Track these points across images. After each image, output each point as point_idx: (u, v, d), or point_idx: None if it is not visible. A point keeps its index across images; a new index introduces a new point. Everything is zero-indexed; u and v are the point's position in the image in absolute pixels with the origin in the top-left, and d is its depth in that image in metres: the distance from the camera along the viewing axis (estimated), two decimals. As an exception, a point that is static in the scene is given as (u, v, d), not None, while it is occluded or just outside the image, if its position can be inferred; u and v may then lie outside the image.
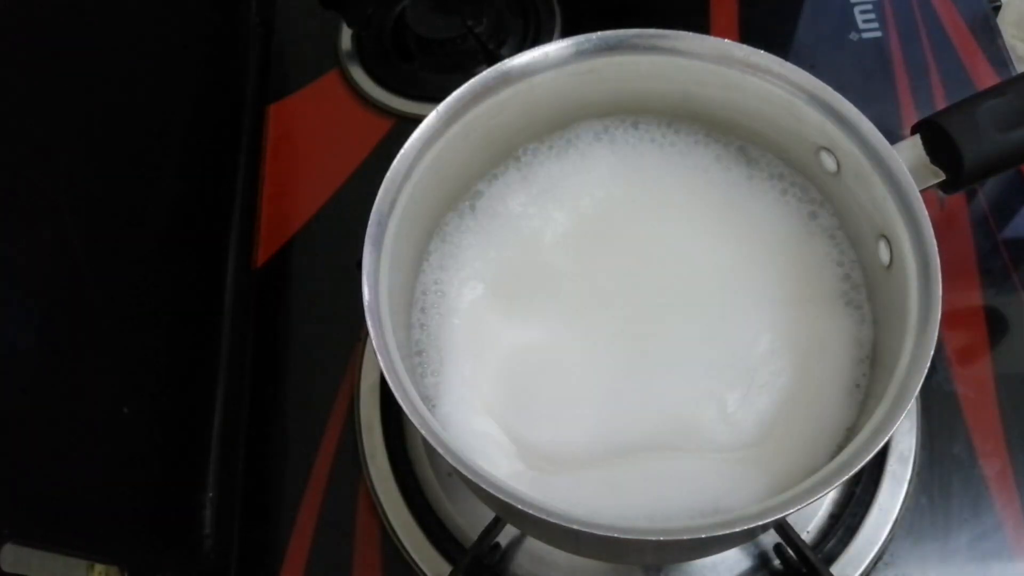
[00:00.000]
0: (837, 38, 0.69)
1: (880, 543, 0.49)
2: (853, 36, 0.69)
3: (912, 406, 0.44)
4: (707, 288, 0.44)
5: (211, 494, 0.52)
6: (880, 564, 0.49)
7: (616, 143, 0.48)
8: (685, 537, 0.33)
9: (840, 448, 0.40)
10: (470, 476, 0.34)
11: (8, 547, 0.36)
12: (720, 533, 0.33)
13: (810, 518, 0.51)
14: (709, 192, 0.46)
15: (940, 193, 0.44)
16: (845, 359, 0.42)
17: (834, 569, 0.48)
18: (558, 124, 0.48)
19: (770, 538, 0.50)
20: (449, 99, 0.43)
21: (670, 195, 0.46)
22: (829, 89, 0.42)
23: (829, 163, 0.44)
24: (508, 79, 0.44)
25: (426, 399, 0.41)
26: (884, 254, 0.41)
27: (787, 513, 0.34)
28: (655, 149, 0.47)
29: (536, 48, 0.44)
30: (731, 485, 0.39)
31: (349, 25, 0.71)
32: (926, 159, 0.43)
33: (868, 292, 0.44)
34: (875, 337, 0.43)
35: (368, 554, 0.51)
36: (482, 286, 0.45)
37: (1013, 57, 0.67)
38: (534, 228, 0.46)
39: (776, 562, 0.50)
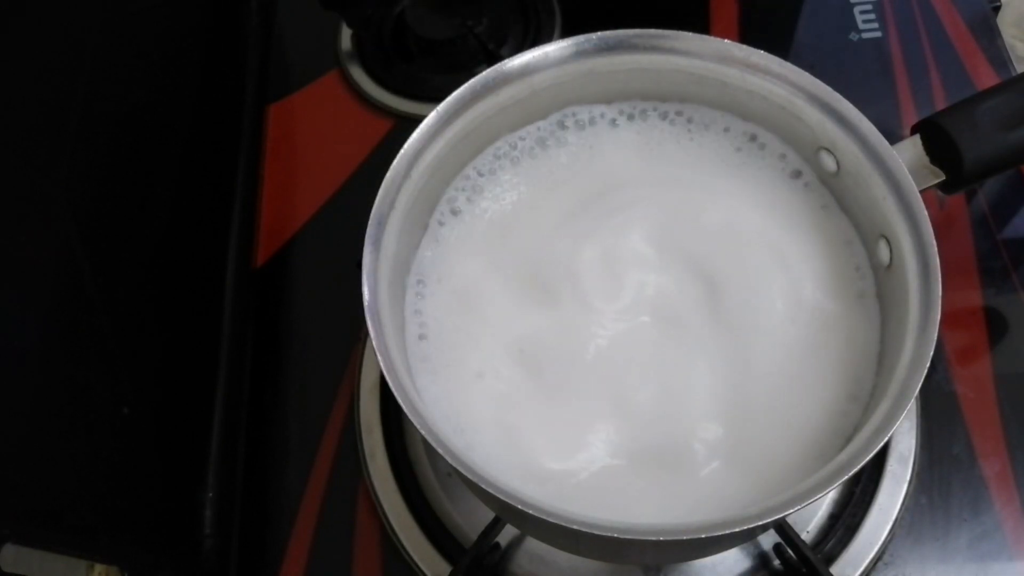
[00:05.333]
0: (837, 38, 0.69)
1: (880, 543, 0.49)
2: (853, 36, 0.69)
3: (912, 406, 0.44)
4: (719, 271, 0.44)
5: (211, 494, 0.52)
6: (880, 564, 0.50)
7: (615, 126, 0.47)
8: (685, 537, 0.33)
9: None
10: (470, 476, 0.34)
11: (8, 547, 0.36)
12: (720, 533, 0.33)
13: (810, 518, 0.51)
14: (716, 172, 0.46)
15: (940, 193, 0.44)
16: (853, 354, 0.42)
17: (834, 569, 0.48)
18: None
19: (770, 538, 0.50)
20: (449, 99, 0.43)
21: (677, 175, 0.46)
22: (829, 89, 0.42)
23: (829, 163, 0.44)
24: (508, 79, 0.44)
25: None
26: (884, 254, 0.41)
27: (787, 513, 0.34)
28: (658, 130, 0.47)
29: (536, 48, 0.44)
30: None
31: (349, 25, 0.71)
32: (926, 159, 0.43)
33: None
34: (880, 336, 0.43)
35: (368, 554, 0.51)
36: (479, 277, 0.45)
37: (1013, 57, 0.67)
38: (532, 215, 0.46)
39: (776, 562, 0.50)
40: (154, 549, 0.47)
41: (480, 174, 0.46)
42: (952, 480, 0.51)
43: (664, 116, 0.47)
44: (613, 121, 0.47)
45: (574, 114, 0.47)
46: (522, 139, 0.47)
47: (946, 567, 0.49)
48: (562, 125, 0.47)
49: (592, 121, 0.47)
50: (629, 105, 0.47)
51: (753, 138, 0.46)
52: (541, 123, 0.47)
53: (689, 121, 0.47)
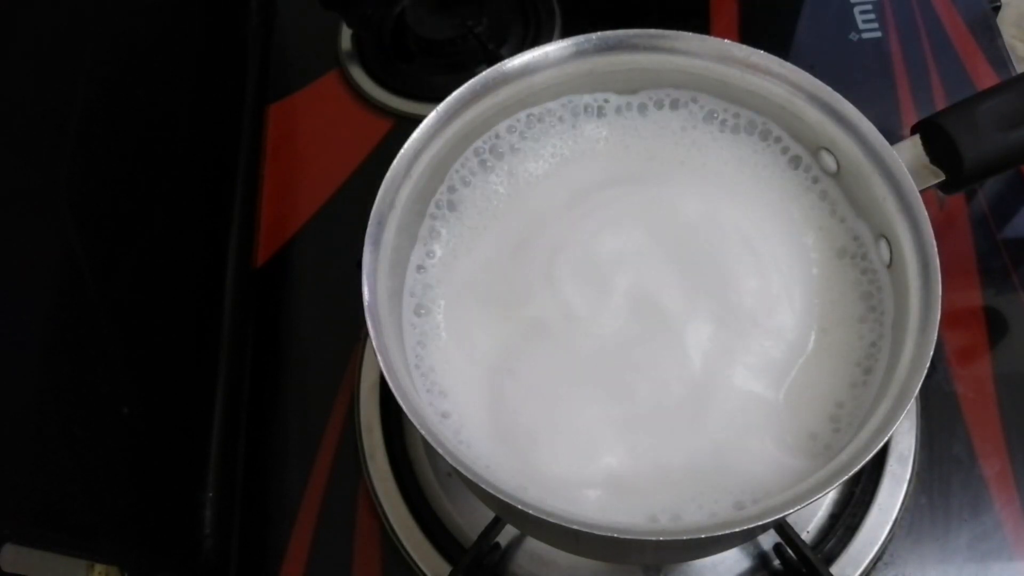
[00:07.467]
0: (837, 38, 0.69)
1: (880, 543, 0.49)
2: (853, 36, 0.69)
3: (912, 406, 0.44)
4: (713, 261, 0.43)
5: (211, 494, 0.52)
6: (880, 564, 0.50)
7: (608, 116, 0.47)
8: (685, 537, 0.33)
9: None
10: (470, 476, 0.34)
11: (8, 547, 0.36)
12: (720, 533, 0.33)
13: (810, 518, 0.51)
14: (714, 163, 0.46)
15: (940, 193, 0.44)
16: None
17: (834, 569, 0.48)
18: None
19: (770, 538, 0.50)
20: (449, 99, 0.43)
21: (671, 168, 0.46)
22: (829, 89, 0.42)
23: (829, 163, 0.44)
24: (508, 79, 0.44)
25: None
26: (884, 254, 0.41)
27: (787, 513, 0.34)
28: (651, 122, 0.47)
29: (536, 48, 0.44)
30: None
31: (349, 25, 0.71)
32: (926, 159, 0.43)
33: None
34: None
35: (368, 554, 0.51)
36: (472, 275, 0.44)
37: (1013, 57, 0.67)
38: (523, 213, 0.46)
39: (776, 562, 0.50)
40: (154, 549, 0.47)
41: (474, 172, 0.46)
42: (952, 480, 0.51)
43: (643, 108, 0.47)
44: (619, 109, 0.47)
45: (570, 101, 0.47)
46: (503, 135, 0.46)
47: (946, 567, 0.49)
48: (566, 114, 0.47)
49: (586, 110, 0.47)
50: (624, 98, 0.47)
51: (753, 125, 0.46)
52: (533, 109, 0.46)
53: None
